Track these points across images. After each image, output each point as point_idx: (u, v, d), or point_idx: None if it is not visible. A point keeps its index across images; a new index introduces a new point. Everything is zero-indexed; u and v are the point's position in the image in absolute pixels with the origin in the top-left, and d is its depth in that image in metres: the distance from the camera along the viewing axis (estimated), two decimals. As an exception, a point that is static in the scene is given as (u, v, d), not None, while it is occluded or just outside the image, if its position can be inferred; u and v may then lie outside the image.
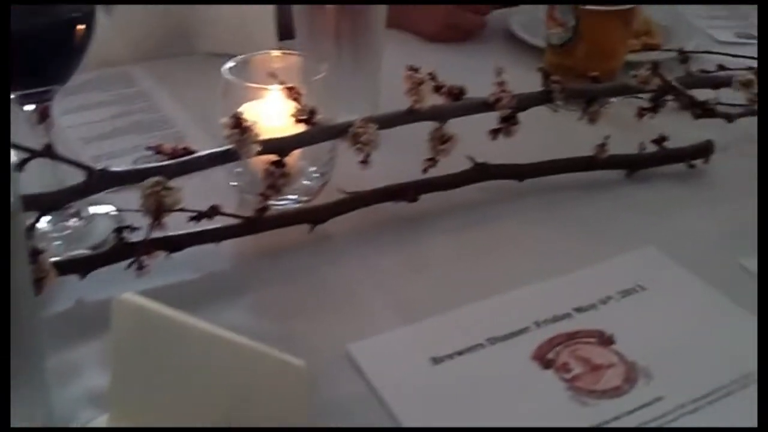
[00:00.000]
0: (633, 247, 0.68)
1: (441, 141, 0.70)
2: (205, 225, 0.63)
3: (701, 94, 0.83)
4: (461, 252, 0.68)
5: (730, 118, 0.78)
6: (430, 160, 0.70)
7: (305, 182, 0.72)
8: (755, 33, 1.10)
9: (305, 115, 0.65)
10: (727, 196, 0.76)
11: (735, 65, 0.90)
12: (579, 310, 0.60)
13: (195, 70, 0.98)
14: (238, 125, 0.61)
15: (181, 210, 0.59)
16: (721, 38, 1.08)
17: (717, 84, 0.82)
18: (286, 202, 0.70)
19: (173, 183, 0.58)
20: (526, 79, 0.74)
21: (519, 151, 0.74)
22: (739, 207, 0.73)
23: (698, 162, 0.79)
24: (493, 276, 0.65)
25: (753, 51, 1.02)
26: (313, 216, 0.68)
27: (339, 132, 0.67)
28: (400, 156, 0.70)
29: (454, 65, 0.77)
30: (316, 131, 0.66)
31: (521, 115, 0.73)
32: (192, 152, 0.63)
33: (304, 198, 0.72)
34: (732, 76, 0.79)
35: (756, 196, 0.75)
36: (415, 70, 0.68)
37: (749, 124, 0.80)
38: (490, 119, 0.72)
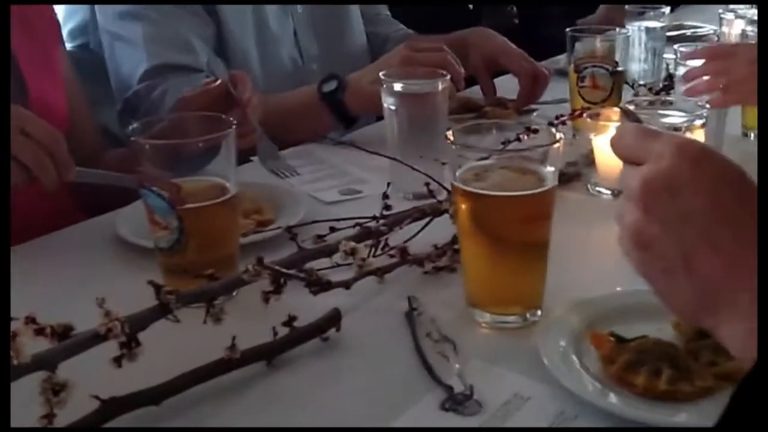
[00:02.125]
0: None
1: (54, 392, 0.62)
2: None
3: (320, 264, 0.85)
4: None
5: (347, 285, 0.80)
6: (45, 417, 0.62)
7: None
8: (357, 188, 1.17)
9: None
10: (365, 361, 0.77)
11: (345, 225, 0.94)
12: None
13: None
14: None
15: None
16: (327, 199, 1.13)
17: (330, 251, 0.84)
18: None
19: None
20: (144, 286, 0.70)
21: (154, 370, 0.69)
22: (376, 370, 0.74)
23: (331, 332, 0.79)
24: None
25: (358, 205, 1.09)
26: None
27: None
28: None
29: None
30: None
31: (144, 334, 0.68)
32: None
33: None
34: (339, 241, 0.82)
35: (390, 355, 0.78)
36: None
37: (369, 285, 0.84)
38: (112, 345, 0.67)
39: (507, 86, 1.73)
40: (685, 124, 0.94)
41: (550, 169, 0.82)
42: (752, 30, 1.51)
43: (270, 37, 1.55)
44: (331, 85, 1.36)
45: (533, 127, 0.88)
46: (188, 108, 1.14)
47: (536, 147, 0.83)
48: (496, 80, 1.80)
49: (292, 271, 0.76)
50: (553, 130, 0.86)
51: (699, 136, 0.95)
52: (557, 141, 0.82)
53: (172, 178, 0.86)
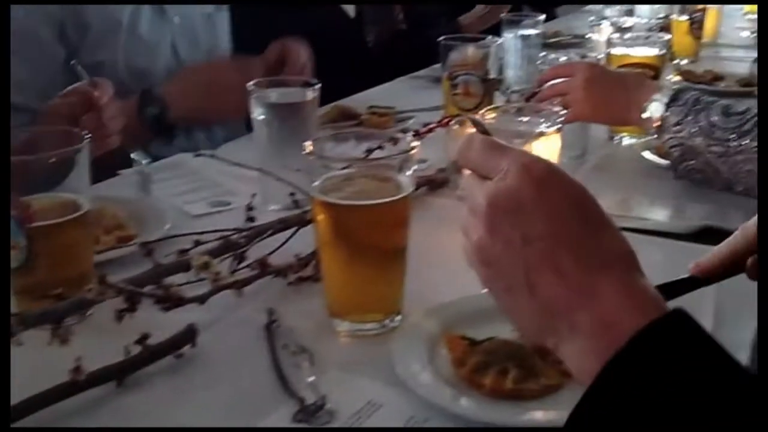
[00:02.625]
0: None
1: None
2: None
3: (181, 278, 0.84)
4: None
5: (202, 300, 0.79)
6: None
7: None
8: (227, 199, 1.16)
9: None
10: (220, 376, 0.77)
11: (211, 237, 0.93)
12: None
13: None
14: None
15: None
16: (195, 212, 1.12)
17: (186, 266, 0.83)
18: None
19: None
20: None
21: None
22: (231, 385, 0.74)
23: (187, 348, 0.78)
24: None
25: (228, 217, 1.08)
26: None
27: None
28: None
29: None
30: None
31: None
32: None
33: None
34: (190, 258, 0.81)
35: (246, 369, 0.77)
36: None
37: (228, 299, 0.83)
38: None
39: (385, 94, 1.76)
40: (539, 130, 0.97)
41: (406, 176, 0.83)
42: (618, 36, 1.57)
43: (143, 47, 1.52)
44: (154, 110, 1.41)
45: (393, 136, 0.89)
46: (50, 117, 1.13)
47: (391, 156, 0.84)
48: (381, 87, 1.83)
49: (139, 288, 0.74)
50: (409, 138, 0.88)
51: (555, 141, 0.98)
52: (411, 149, 0.83)
53: (21, 196, 0.83)
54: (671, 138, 1.15)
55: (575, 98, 1.25)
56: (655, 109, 1.17)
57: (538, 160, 0.58)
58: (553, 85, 1.30)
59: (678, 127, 1.14)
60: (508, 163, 0.56)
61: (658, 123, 1.16)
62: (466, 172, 0.61)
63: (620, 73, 1.36)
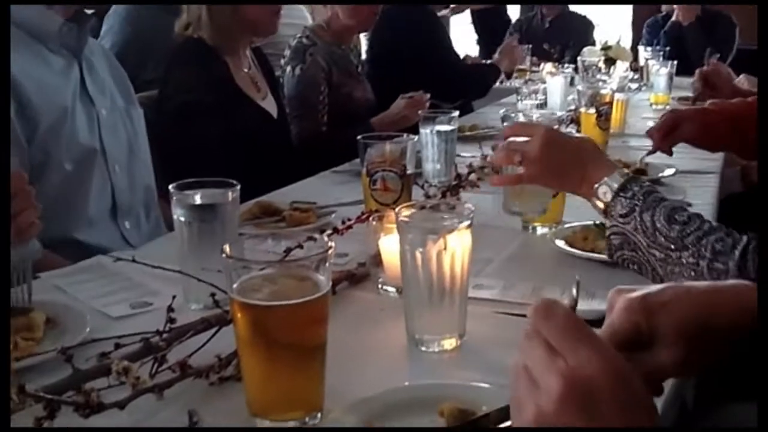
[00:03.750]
0: None
1: None
2: None
3: (101, 382, 0.84)
4: None
5: (122, 406, 0.79)
6: None
7: None
8: (149, 300, 1.17)
9: None
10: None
11: (132, 340, 0.94)
12: None
13: None
14: None
15: None
16: (115, 314, 1.12)
17: (106, 371, 0.83)
18: None
19: None
20: None
21: None
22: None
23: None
24: None
25: (150, 318, 1.08)
26: None
27: None
28: None
29: None
30: None
31: None
32: None
33: None
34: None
35: None
36: None
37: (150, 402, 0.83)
38: None
39: (307, 189, 1.80)
40: (451, 225, 1.01)
41: (323, 275, 0.86)
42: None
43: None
44: None
45: (311, 235, 0.93)
46: None
47: (308, 257, 0.87)
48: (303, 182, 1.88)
49: (58, 396, 0.75)
50: (326, 238, 0.91)
51: (467, 236, 1.03)
52: (328, 249, 0.87)
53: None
54: (614, 225, 1.16)
55: (530, 159, 1.25)
56: (603, 193, 1.18)
57: (617, 356, 0.60)
58: (511, 142, 1.31)
59: (622, 219, 1.15)
60: (590, 354, 0.59)
61: (604, 207, 1.18)
62: (537, 340, 0.62)
63: (578, 142, 1.30)
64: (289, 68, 2.64)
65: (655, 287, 0.75)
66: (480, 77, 3.54)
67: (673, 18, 4.55)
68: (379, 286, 1.22)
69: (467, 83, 3.43)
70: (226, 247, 0.86)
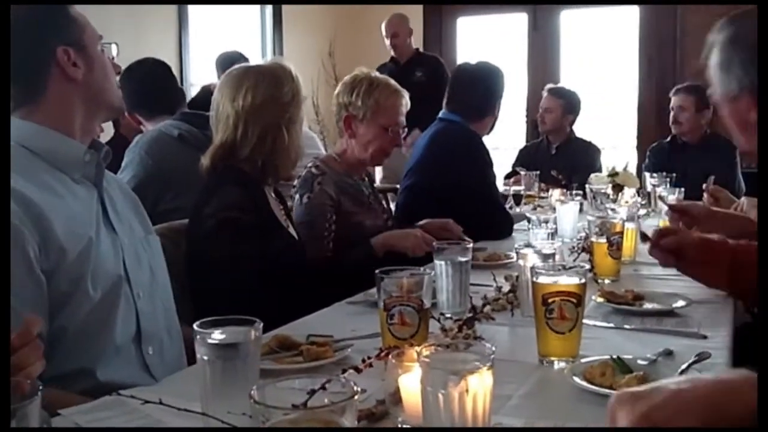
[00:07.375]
0: None
1: None
2: None
3: None
4: None
5: None
6: None
7: None
8: None
9: None
10: None
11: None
12: None
13: None
14: None
15: None
16: None
17: None
18: None
19: None
20: None
21: None
22: None
23: None
24: None
25: None
26: None
27: None
28: None
29: None
30: None
31: None
32: None
33: None
34: None
35: None
36: None
37: None
38: None
39: (323, 320, 1.81)
40: (473, 367, 1.02)
41: (348, 419, 0.87)
42: (542, 265, 1.67)
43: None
44: None
45: (333, 378, 0.94)
46: None
47: (333, 404, 0.88)
48: (319, 313, 1.88)
49: None
50: (352, 383, 0.92)
51: (487, 376, 1.03)
52: (354, 395, 0.88)
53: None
54: None
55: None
56: None
57: None
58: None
59: None
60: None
61: None
62: None
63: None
64: (297, 196, 2.71)
65: (658, 394, 0.77)
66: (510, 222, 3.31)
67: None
68: (399, 424, 1.22)
69: (503, 226, 3.24)
70: (254, 393, 0.87)
